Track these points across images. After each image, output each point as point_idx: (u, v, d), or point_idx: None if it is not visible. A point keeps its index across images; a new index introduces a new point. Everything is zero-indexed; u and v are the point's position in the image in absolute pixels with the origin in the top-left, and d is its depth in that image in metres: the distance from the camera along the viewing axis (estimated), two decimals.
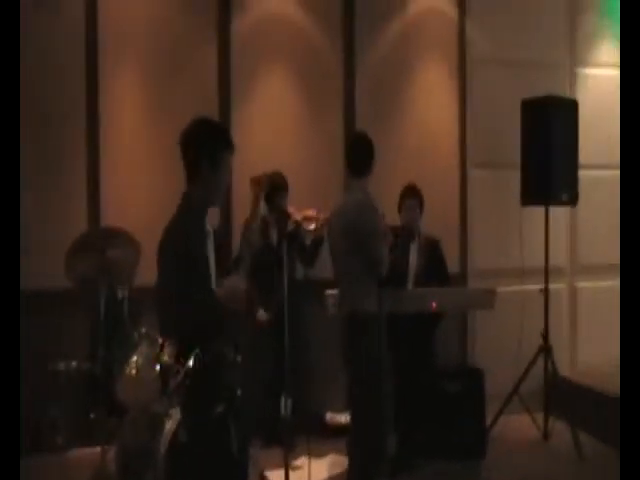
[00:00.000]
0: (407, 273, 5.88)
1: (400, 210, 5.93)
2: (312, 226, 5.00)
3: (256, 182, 3.80)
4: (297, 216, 4.96)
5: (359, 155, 4.99)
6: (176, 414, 3.89)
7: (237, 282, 3.62)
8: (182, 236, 3.53)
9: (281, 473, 4.27)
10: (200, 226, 3.65)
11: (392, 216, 5.65)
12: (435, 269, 5.97)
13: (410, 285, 5.87)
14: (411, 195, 5.93)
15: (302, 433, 5.05)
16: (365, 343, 4.78)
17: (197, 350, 3.50)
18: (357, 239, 4.77)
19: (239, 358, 3.66)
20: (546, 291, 6.40)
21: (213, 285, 3.62)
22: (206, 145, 3.61)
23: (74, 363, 4.80)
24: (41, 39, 6.03)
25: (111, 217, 6.02)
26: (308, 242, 5.86)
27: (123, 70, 6.33)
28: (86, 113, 6.22)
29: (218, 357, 3.57)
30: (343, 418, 6.28)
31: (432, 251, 6.00)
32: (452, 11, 7.20)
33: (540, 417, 6.42)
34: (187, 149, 3.63)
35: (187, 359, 3.54)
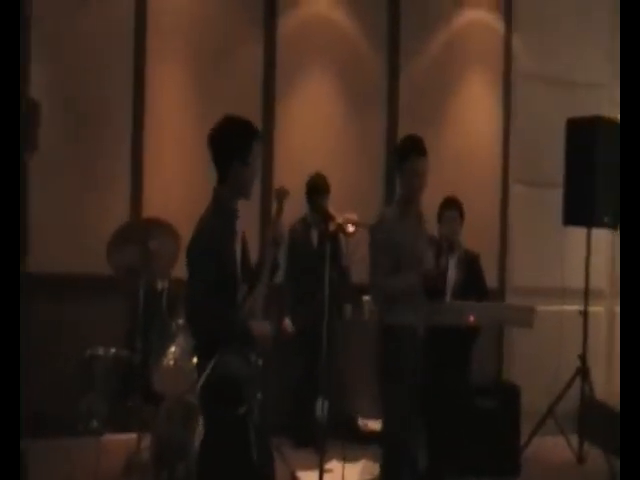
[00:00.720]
0: (445, 286, 5.77)
1: (440, 221, 5.83)
2: (352, 229, 4.98)
3: (279, 192, 3.84)
4: (339, 219, 4.97)
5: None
6: None
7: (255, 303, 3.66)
8: (212, 235, 3.56)
9: (313, 475, 4.24)
10: (230, 226, 3.69)
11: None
12: (474, 284, 5.88)
13: (448, 298, 5.76)
14: (452, 207, 5.82)
15: (335, 437, 5.03)
16: (398, 355, 4.66)
17: (217, 356, 3.52)
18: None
19: (260, 362, 3.67)
20: (585, 313, 6.32)
21: (239, 288, 3.66)
22: (235, 142, 3.65)
23: (113, 350, 4.83)
24: (88, 36, 6.18)
25: (153, 209, 6.06)
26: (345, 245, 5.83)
27: (169, 65, 6.43)
28: (132, 105, 6.32)
29: (240, 360, 3.58)
30: (376, 424, 6.24)
31: (471, 265, 5.90)
32: (499, 25, 7.21)
33: (575, 439, 6.31)
34: (216, 150, 3.67)
35: (208, 364, 3.56)
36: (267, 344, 3.63)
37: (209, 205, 3.69)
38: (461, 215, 5.85)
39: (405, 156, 4.68)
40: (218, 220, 3.62)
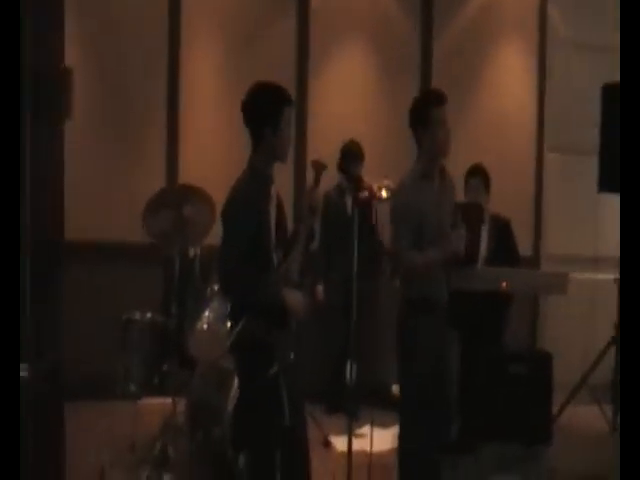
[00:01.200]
0: (477, 256, 5.55)
1: (465, 189, 5.72)
2: (385, 195, 4.92)
3: (317, 165, 3.84)
4: (373, 185, 4.95)
5: None
6: None
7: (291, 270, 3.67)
8: (246, 199, 3.59)
9: (345, 439, 4.27)
10: (265, 191, 3.70)
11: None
12: (506, 251, 5.82)
13: (481, 261, 5.66)
14: (474, 174, 5.71)
15: (369, 403, 5.07)
16: (417, 333, 4.39)
17: (244, 320, 3.55)
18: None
19: (294, 323, 3.70)
20: (620, 280, 6.27)
21: (273, 254, 3.68)
22: (266, 109, 3.65)
23: (149, 314, 4.88)
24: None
25: (189, 175, 6.08)
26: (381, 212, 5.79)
27: (204, 34, 6.47)
28: (167, 71, 6.39)
29: (273, 322, 3.62)
30: None
31: (503, 232, 5.84)
32: None
33: (609, 409, 6.29)
34: (248, 117, 3.68)
35: (236, 326, 3.60)
36: (299, 314, 3.67)
37: (244, 170, 3.72)
38: (486, 183, 5.75)
39: (426, 106, 4.37)
40: (252, 185, 3.65)
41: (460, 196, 5.61)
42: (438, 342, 4.45)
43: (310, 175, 3.83)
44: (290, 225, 3.91)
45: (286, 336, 3.69)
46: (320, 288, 6.18)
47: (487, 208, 5.81)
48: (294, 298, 3.63)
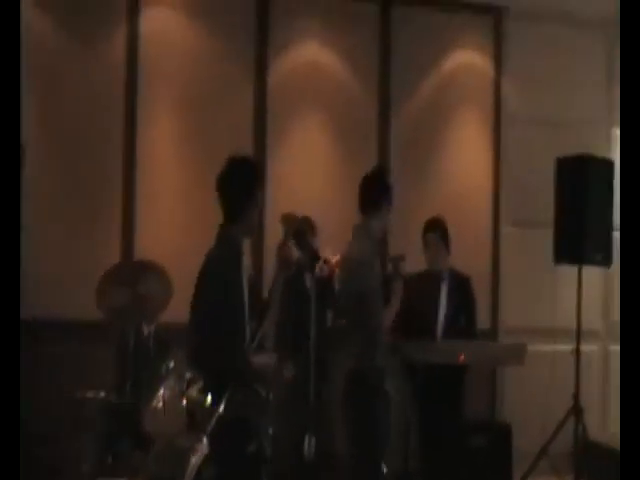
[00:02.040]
0: (437, 317, 5.74)
1: (424, 246, 5.73)
2: (335, 259, 5.02)
3: (287, 219, 3.89)
4: (332, 260, 5.01)
5: (369, 191, 4.86)
6: (202, 449, 3.91)
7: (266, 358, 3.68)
8: (220, 269, 3.64)
9: None
10: (238, 262, 3.75)
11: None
12: (466, 306, 5.85)
13: (440, 327, 5.75)
14: (432, 228, 5.71)
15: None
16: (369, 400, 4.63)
17: (228, 394, 3.53)
18: (353, 295, 4.71)
19: (271, 396, 3.69)
20: (578, 352, 6.31)
21: (247, 323, 3.69)
22: (246, 184, 3.75)
23: (102, 393, 4.85)
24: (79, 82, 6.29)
25: (145, 251, 6.08)
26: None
27: (161, 105, 6.51)
28: (123, 146, 6.39)
29: (250, 395, 3.60)
30: None
31: (463, 288, 5.84)
32: (488, 67, 7.29)
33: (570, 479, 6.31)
34: (227, 191, 3.76)
35: (219, 403, 3.57)
36: (270, 376, 3.67)
37: (216, 243, 3.77)
38: (444, 235, 5.71)
39: None
40: (227, 256, 3.69)
41: (419, 252, 5.74)
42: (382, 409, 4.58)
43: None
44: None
45: (263, 410, 3.66)
46: (289, 368, 6.09)
47: (447, 262, 5.80)
48: (268, 361, 3.62)
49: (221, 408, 3.54)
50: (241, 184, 3.75)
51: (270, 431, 3.68)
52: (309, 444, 4.18)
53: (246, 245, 6.20)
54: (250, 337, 3.70)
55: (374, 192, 4.84)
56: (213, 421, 3.57)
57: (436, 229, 5.72)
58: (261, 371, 3.62)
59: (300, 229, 5.97)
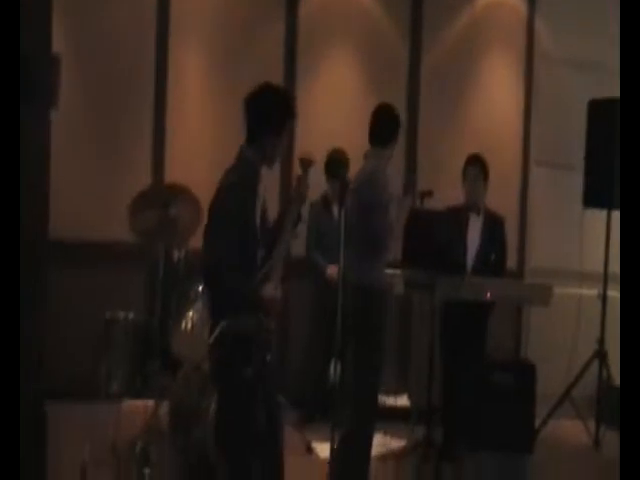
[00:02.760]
0: (466, 252, 5.74)
1: (463, 179, 5.80)
2: None
3: (304, 161, 3.88)
4: None
5: (379, 125, 4.92)
6: None
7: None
8: (235, 194, 3.60)
9: (327, 446, 4.24)
10: (254, 187, 3.72)
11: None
12: (497, 245, 5.85)
13: (470, 261, 5.76)
14: (474, 163, 5.77)
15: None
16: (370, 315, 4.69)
17: (223, 323, 3.54)
18: (361, 214, 4.70)
19: (272, 324, 3.70)
20: (604, 297, 6.29)
21: (258, 251, 3.69)
22: (270, 112, 3.70)
23: (132, 315, 4.87)
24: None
25: (175, 174, 6.10)
26: None
27: (192, 40, 6.51)
28: (155, 69, 6.42)
29: (250, 322, 3.61)
30: (392, 400, 6.31)
31: (496, 228, 5.86)
32: (521, 5, 7.20)
33: (592, 424, 6.26)
34: (251, 112, 3.71)
35: (213, 332, 3.59)
36: (275, 309, 3.67)
37: (234, 163, 3.74)
38: (484, 172, 5.78)
39: None
40: (243, 180, 3.67)
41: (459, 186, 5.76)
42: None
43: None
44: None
45: (264, 335, 3.68)
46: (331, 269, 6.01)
47: (484, 197, 5.84)
48: (272, 293, 3.62)
49: (218, 328, 3.54)
50: (264, 107, 3.70)
51: (269, 358, 3.69)
52: (335, 370, 4.20)
53: (276, 178, 6.36)
54: (259, 265, 3.68)
55: (385, 126, 4.93)
56: (212, 337, 3.57)
57: (476, 163, 5.78)
58: (266, 300, 3.60)
59: (333, 159, 6.02)
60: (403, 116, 6.79)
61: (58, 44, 5.69)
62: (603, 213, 6.34)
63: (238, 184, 3.65)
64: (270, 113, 3.70)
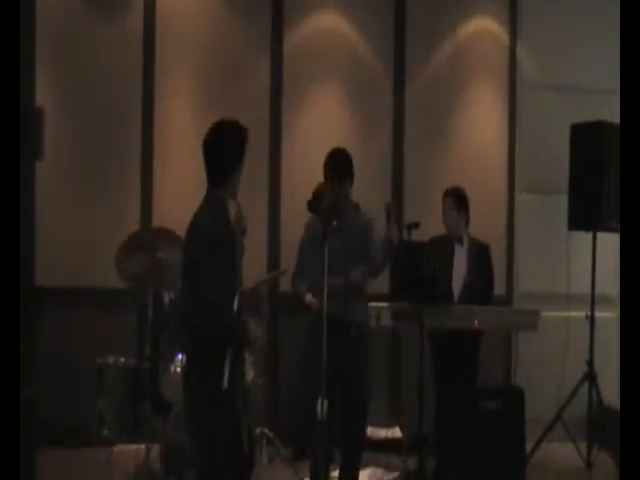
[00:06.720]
0: (452, 281, 5.81)
1: (443, 211, 5.87)
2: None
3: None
4: None
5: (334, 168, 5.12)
6: None
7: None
8: (212, 223, 3.61)
9: None
10: (229, 224, 3.74)
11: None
12: (484, 274, 5.90)
13: (456, 290, 5.82)
14: (449, 194, 5.85)
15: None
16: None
17: (229, 359, 3.55)
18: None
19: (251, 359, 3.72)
20: (592, 317, 6.32)
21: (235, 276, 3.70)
22: (232, 150, 3.71)
23: (122, 359, 4.90)
24: (97, 43, 6.35)
25: (162, 218, 6.12)
26: None
27: (179, 78, 6.56)
28: (141, 117, 6.45)
29: (238, 357, 3.63)
30: (384, 432, 6.31)
31: (481, 255, 5.92)
32: (503, 33, 7.25)
33: (583, 446, 6.29)
34: (214, 155, 3.71)
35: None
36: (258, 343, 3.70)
37: (204, 204, 3.72)
38: (460, 204, 5.83)
39: None
40: (218, 217, 3.68)
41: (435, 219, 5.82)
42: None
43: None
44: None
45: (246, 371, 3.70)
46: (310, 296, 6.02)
47: (465, 227, 5.90)
48: (256, 328, 3.63)
49: (227, 371, 3.53)
50: (227, 150, 3.69)
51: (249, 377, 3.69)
52: (322, 407, 4.21)
53: (263, 215, 6.40)
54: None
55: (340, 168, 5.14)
56: (225, 383, 3.56)
57: (451, 194, 5.84)
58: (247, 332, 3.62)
59: (317, 194, 6.02)
60: (389, 147, 6.93)
61: (43, 95, 5.81)
62: (589, 235, 6.38)
63: (215, 220, 3.65)
64: (231, 149, 3.71)
